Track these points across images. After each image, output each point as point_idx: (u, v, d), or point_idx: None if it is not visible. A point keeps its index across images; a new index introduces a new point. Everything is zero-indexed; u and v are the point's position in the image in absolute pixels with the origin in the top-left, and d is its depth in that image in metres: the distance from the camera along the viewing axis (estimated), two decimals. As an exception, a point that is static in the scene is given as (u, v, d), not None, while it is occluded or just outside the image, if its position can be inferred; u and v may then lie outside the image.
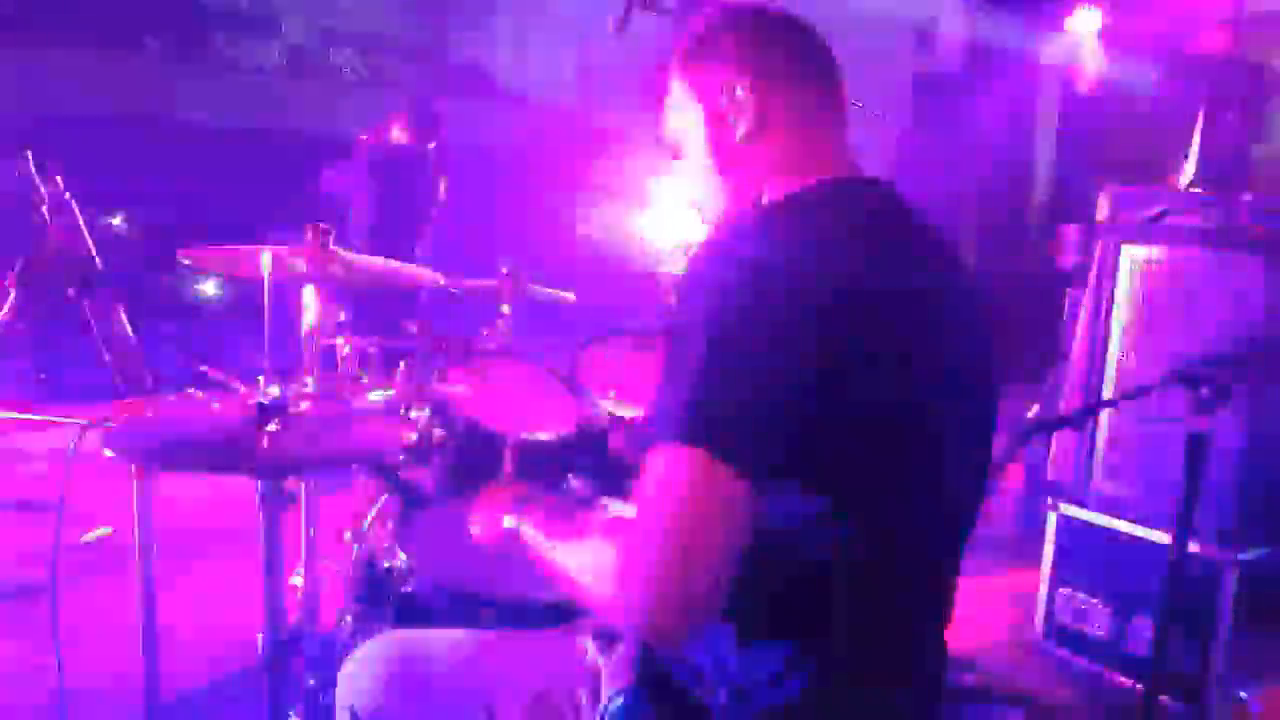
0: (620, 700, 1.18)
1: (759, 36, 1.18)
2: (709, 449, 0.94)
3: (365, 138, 4.66)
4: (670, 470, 0.95)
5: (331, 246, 2.00)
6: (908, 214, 1.15)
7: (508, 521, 1.32)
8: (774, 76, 1.17)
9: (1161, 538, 2.58)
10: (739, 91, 1.16)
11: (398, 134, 4.56)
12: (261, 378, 1.69)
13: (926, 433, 1.06)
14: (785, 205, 1.13)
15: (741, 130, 1.17)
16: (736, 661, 1.04)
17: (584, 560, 1.13)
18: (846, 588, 1.03)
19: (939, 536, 1.13)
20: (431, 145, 4.58)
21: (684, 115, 1.22)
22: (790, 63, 1.18)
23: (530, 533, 1.27)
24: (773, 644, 1.03)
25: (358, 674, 1.40)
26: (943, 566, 1.16)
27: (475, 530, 1.41)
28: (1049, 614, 2.91)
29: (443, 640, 1.47)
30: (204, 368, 2.03)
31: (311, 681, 1.99)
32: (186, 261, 2.16)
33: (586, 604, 1.20)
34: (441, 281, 2.27)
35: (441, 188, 4.74)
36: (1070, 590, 2.85)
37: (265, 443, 1.62)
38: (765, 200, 1.17)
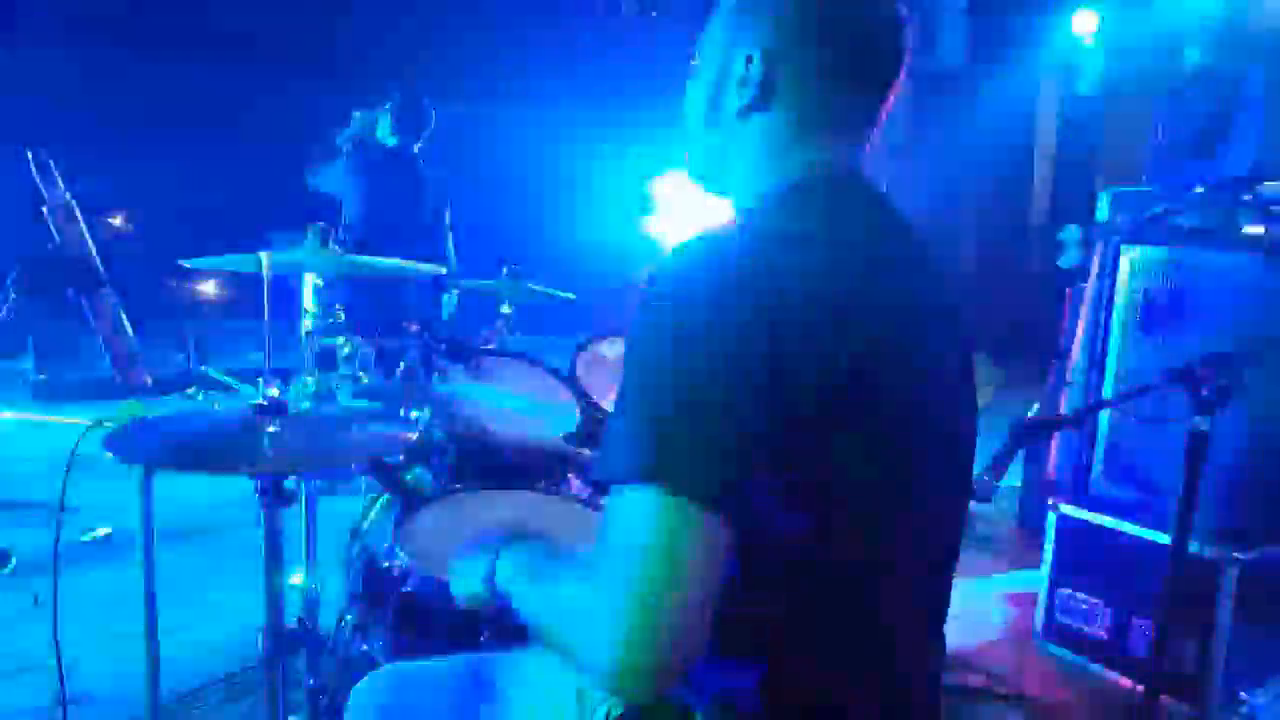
0: (606, 709, 1.18)
1: (806, 14, 1.07)
2: (675, 485, 0.86)
3: (347, 134, 4.31)
4: (636, 513, 0.87)
5: (331, 246, 2.01)
6: (892, 216, 1.10)
7: (482, 568, 1.16)
8: (798, 59, 1.07)
9: (1161, 538, 2.58)
10: (752, 60, 1.07)
11: (383, 131, 4.26)
12: (261, 378, 1.69)
13: (901, 449, 1.01)
14: (760, 210, 1.07)
15: (740, 103, 1.09)
16: (718, 671, 1.01)
17: (555, 607, 1.01)
18: (824, 598, 1.00)
19: (922, 543, 1.10)
20: (418, 145, 4.28)
21: (700, 67, 1.14)
22: (826, 49, 1.07)
23: (509, 575, 1.12)
24: (750, 652, 1.01)
25: (359, 708, 1.40)
26: (928, 575, 1.14)
27: (455, 591, 1.24)
28: (1049, 614, 2.91)
29: (439, 668, 1.46)
30: (204, 368, 2.03)
31: (311, 681, 2.00)
32: (187, 263, 2.16)
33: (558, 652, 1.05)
34: (443, 270, 2.26)
35: (433, 189, 4.41)
36: (1070, 590, 2.86)
37: (265, 443, 1.62)
38: (749, 191, 1.12)
